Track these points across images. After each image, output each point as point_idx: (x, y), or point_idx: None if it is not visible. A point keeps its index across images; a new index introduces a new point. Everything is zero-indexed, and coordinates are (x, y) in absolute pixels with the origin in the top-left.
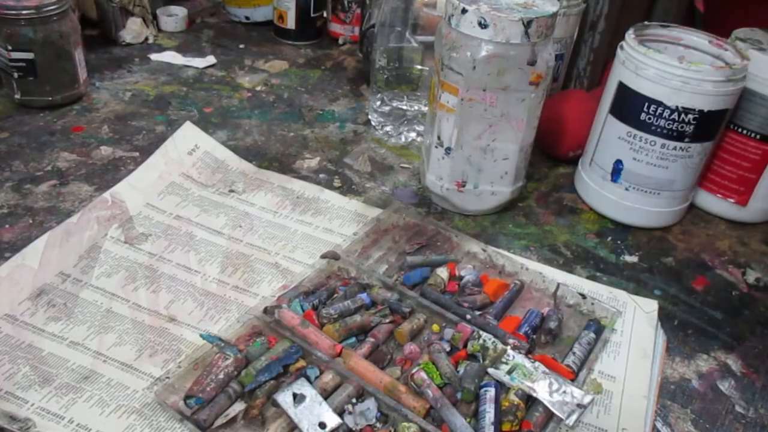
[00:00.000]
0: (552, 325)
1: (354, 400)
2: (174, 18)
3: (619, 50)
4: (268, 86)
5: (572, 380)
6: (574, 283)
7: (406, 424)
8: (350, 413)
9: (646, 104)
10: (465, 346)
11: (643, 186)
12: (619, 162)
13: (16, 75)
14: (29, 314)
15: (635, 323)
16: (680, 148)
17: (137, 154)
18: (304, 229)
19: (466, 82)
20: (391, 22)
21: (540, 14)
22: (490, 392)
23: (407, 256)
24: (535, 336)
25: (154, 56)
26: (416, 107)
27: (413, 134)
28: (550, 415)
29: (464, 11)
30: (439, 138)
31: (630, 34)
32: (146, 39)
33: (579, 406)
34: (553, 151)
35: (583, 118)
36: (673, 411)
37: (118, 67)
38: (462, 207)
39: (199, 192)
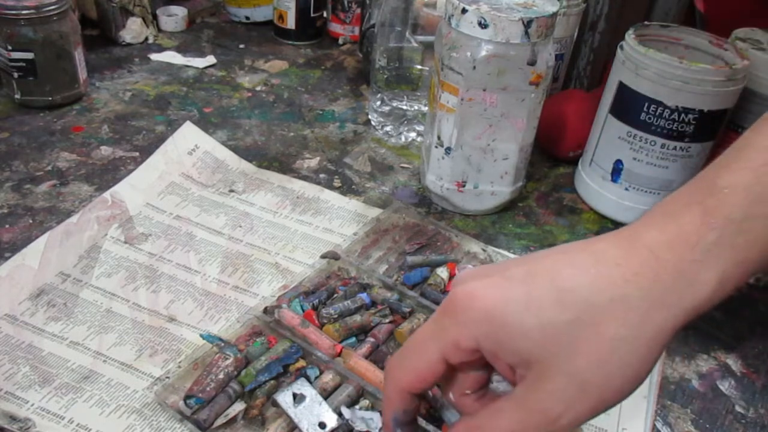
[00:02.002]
0: None
1: (358, 406)
2: (174, 18)
3: (619, 50)
4: (268, 86)
5: None
6: None
7: None
8: (351, 412)
9: (646, 104)
10: None
11: (643, 186)
12: (619, 162)
13: (16, 75)
14: (29, 314)
15: None
16: (680, 148)
17: (137, 154)
18: (304, 229)
19: (466, 82)
20: (391, 22)
21: (540, 14)
22: None
23: (407, 256)
24: None
25: (154, 56)
26: (416, 107)
27: (413, 134)
28: None
29: (464, 11)
30: (439, 138)
31: (630, 34)
32: (146, 39)
33: None
34: (554, 151)
35: (583, 118)
36: (673, 411)
37: (118, 67)
38: (462, 207)
39: (199, 192)
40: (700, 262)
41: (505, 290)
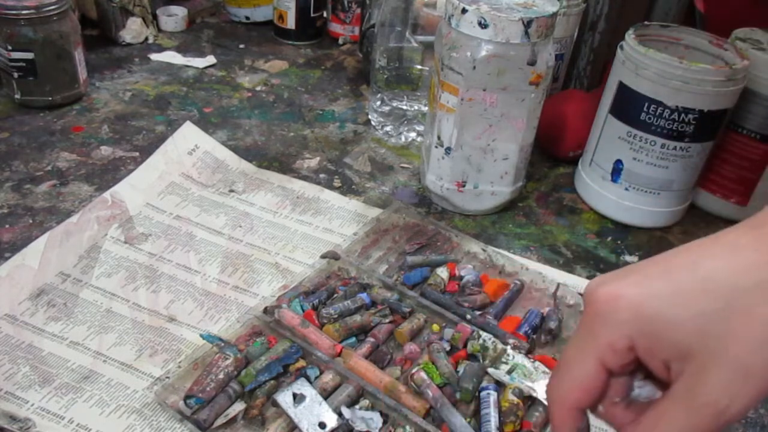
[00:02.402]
0: (552, 325)
1: (358, 406)
2: (174, 18)
3: (619, 50)
4: (268, 86)
5: None
6: (574, 283)
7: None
8: (351, 412)
9: (646, 104)
10: (465, 346)
11: (643, 186)
12: (619, 162)
13: (16, 75)
14: (29, 314)
15: None
16: (680, 148)
17: (137, 154)
18: (304, 229)
19: (466, 82)
20: (391, 22)
21: (540, 14)
22: (493, 396)
23: (407, 256)
24: (535, 336)
25: (154, 56)
26: (416, 107)
27: (413, 134)
28: None
29: (464, 11)
30: (439, 138)
31: (630, 34)
32: (146, 39)
33: None
34: (554, 151)
35: (583, 118)
36: None
37: (118, 67)
38: (462, 207)
39: (199, 192)
40: None
41: (648, 287)
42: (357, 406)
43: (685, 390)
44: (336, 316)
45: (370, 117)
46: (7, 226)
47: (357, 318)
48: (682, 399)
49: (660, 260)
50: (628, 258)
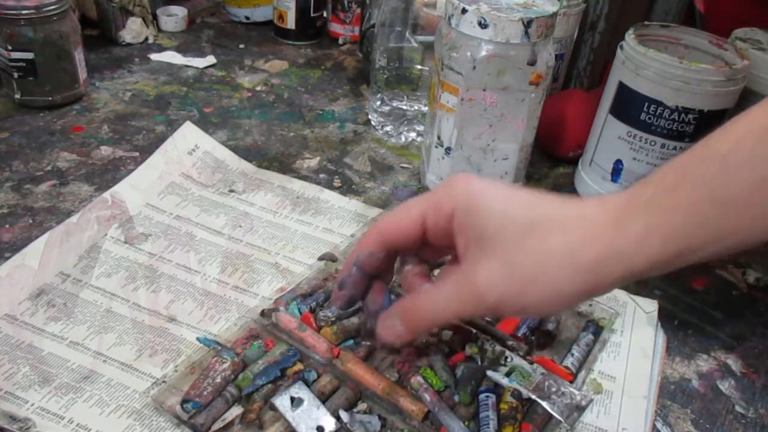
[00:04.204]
0: (550, 326)
1: (356, 410)
2: (174, 18)
3: (619, 50)
4: (268, 86)
5: (571, 382)
6: None
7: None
8: (350, 415)
9: (646, 104)
10: (463, 348)
11: None
12: (619, 162)
13: (16, 75)
14: (29, 314)
15: (635, 323)
16: (680, 148)
17: (137, 154)
18: (304, 229)
19: (466, 82)
20: (391, 22)
21: (540, 14)
22: (492, 399)
23: None
24: (533, 337)
25: (154, 56)
26: (416, 107)
27: (413, 134)
28: (549, 417)
29: (464, 11)
30: (439, 138)
31: (630, 34)
32: (146, 39)
33: (578, 407)
34: (554, 151)
35: (583, 118)
36: (673, 411)
37: (118, 67)
38: None
39: (199, 192)
40: (633, 214)
41: (490, 189)
42: (355, 410)
43: (462, 270)
44: (333, 318)
45: (370, 117)
46: (7, 226)
47: (354, 320)
48: (457, 276)
49: (519, 188)
50: None
